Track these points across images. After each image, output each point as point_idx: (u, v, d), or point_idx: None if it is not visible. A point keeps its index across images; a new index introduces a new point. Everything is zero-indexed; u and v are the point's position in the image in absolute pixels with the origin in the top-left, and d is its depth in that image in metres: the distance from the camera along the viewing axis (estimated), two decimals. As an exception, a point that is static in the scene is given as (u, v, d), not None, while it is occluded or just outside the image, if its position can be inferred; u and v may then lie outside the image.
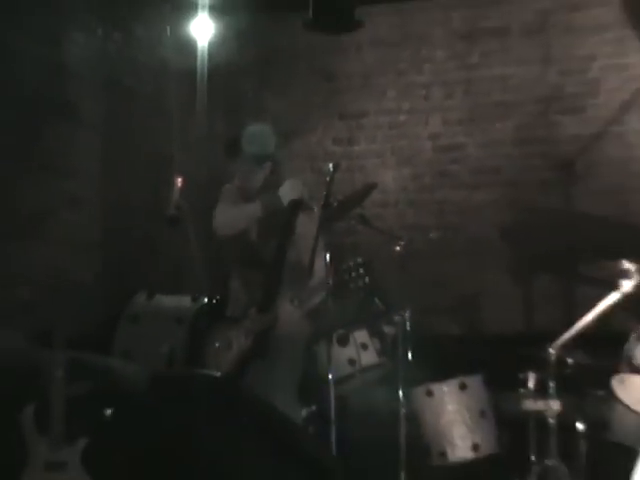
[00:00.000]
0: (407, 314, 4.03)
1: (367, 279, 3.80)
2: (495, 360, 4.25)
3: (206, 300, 4.06)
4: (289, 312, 3.66)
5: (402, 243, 4.15)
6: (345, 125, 5.63)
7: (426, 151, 5.54)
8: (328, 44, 5.39)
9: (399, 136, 5.57)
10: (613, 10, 5.16)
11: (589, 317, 3.58)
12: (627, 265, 3.30)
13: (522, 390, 3.80)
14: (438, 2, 5.45)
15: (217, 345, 3.76)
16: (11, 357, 3.74)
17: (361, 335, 4.05)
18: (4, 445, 3.33)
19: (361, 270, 3.59)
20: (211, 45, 4.98)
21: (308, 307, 3.74)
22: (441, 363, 4.29)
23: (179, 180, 3.75)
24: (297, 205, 3.73)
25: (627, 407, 3.58)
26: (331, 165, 3.66)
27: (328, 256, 3.53)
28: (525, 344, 3.81)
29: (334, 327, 3.71)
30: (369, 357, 4.03)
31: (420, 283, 4.69)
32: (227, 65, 5.38)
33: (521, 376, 3.83)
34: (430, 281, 5.21)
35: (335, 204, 3.68)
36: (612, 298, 3.45)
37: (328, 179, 3.63)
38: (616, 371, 3.81)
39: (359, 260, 3.58)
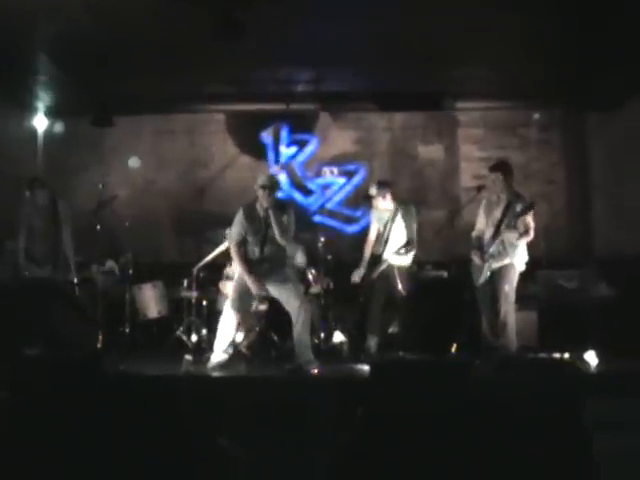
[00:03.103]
0: (130, 253, 7.15)
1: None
2: (170, 273, 7.39)
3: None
4: None
5: (127, 223, 7.38)
6: (107, 169, 8.48)
7: (142, 184, 8.73)
8: (102, 133, 8.40)
9: (132, 177, 8.67)
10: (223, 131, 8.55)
11: (210, 256, 7.04)
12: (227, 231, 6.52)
13: (181, 287, 7.05)
14: (147, 116, 8.35)
15: None
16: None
17: (110, 262, 7.15)
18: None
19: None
20: (45, 133, 8.09)
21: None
22: (144, 276, 7.29)
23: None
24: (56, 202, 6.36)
25: (226, 295, 6.54)
26: (101, 185, 6.78)
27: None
28: (184, 267, 7.11)
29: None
30: (114, 266, 7.20)
31: (138, 239, 7.63)
32: (55, 144, 8.34)
33: (182, 280, 7.07)
34: (143, 237, 7.93)
35: (103, 202, 6.82)
36: (221, 247, 6.98)
37: (100, 187, 6.74)
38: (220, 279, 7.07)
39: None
